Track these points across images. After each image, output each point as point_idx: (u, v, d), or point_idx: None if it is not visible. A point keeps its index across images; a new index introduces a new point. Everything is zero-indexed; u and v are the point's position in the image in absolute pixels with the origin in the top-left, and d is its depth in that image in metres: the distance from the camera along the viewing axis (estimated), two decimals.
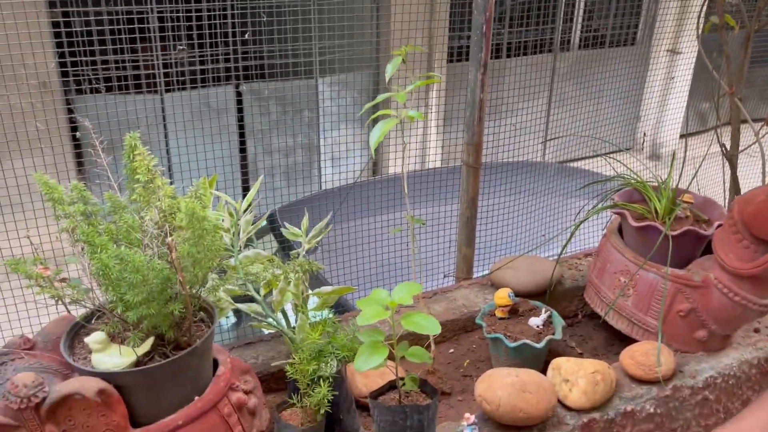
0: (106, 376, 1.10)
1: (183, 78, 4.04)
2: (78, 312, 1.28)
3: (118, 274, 1.06)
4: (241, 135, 4.67)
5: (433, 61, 5.25)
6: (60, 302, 1.26)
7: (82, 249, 1.18)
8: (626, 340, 1.74)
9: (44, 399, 1.06)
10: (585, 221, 1.80)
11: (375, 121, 1.47)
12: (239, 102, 5.18)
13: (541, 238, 2.24)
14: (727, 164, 2.11)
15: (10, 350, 1.15)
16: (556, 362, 1.51)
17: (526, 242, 2.28)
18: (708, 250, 1.65)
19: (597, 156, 3.44)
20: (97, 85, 3.74)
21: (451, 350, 1.78)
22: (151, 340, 1.16)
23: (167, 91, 4.12)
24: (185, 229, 1.07)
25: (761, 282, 1.48)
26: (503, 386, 1.37)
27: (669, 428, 1.58)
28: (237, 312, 1.54)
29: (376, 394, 1.28)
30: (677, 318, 1.60)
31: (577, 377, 1.45)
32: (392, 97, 1.45)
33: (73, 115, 3.81)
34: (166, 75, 4.07)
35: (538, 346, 1.58)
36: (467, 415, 1.38)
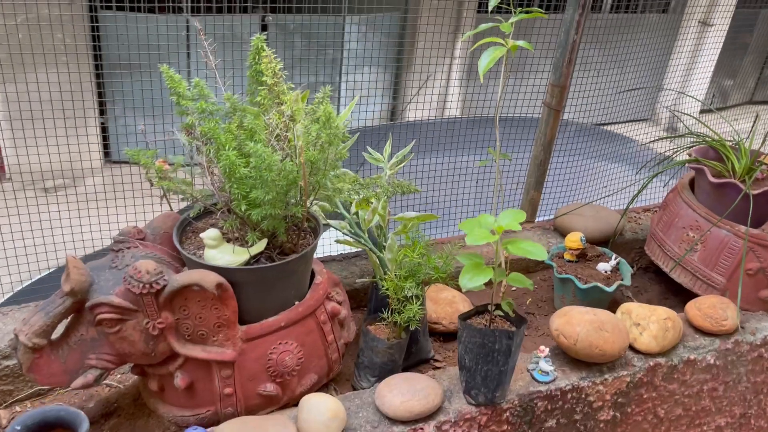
0: (222, 271, 1.11)
1: (209, 4, 3.95)
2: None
3: (246, 172, 1.06)
4: None
5: (463, 11, 5.17)
6: (164, 197, 1.27)
7: (198, 148, 1.18)
8: (680, 295, 1.78)
9: (164, 287, 1.08)
10: (658, 174, 1.81)
11: (478, 49, 1.45)
12: (264, 32, 5.08)
13: (603, 190, 2.25)
14: None
15: (125, 238, 1.16)
16: (626, 306, 1.55)
17: (585, 194, 2.28)
18: None
19: (616, 123, 3.43)
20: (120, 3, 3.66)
21: (514, 289, 1.81)
22: (264, 242, 1.17)
23: (194, 11, 4.03)
24: (317, 133, 1.07)
25: None
26: (582, 322, 1.40)
27: (723, 380, 1.63)
28: None
29: (465, 316, 1.31)
30: (744, 276, 1.63)
31: (648, 322, 1.49)
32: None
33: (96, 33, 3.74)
34: None
35: (609, 290, 1.61)
36: (542, 347, 1.42)
